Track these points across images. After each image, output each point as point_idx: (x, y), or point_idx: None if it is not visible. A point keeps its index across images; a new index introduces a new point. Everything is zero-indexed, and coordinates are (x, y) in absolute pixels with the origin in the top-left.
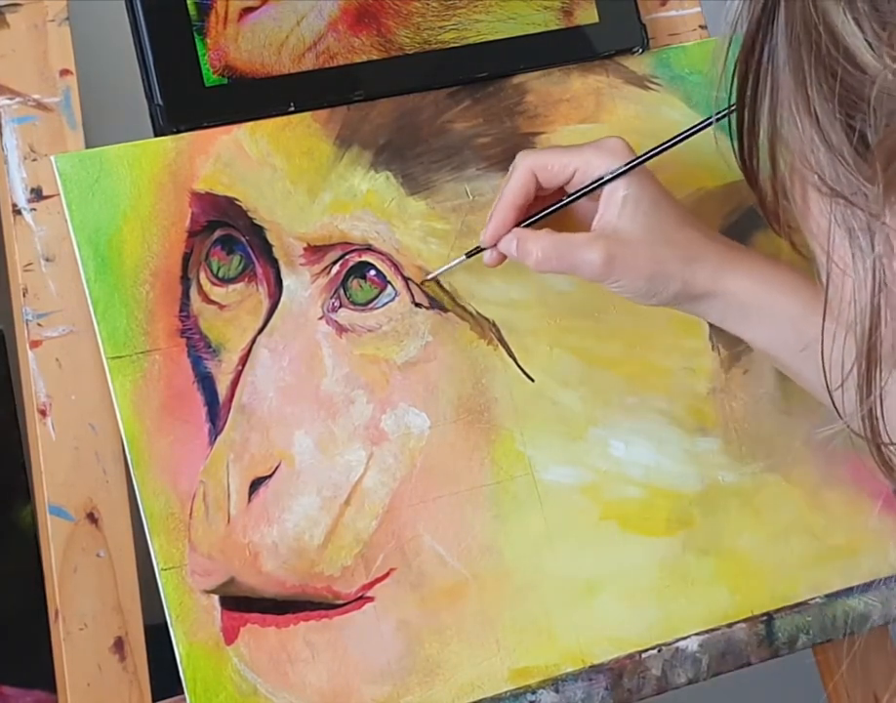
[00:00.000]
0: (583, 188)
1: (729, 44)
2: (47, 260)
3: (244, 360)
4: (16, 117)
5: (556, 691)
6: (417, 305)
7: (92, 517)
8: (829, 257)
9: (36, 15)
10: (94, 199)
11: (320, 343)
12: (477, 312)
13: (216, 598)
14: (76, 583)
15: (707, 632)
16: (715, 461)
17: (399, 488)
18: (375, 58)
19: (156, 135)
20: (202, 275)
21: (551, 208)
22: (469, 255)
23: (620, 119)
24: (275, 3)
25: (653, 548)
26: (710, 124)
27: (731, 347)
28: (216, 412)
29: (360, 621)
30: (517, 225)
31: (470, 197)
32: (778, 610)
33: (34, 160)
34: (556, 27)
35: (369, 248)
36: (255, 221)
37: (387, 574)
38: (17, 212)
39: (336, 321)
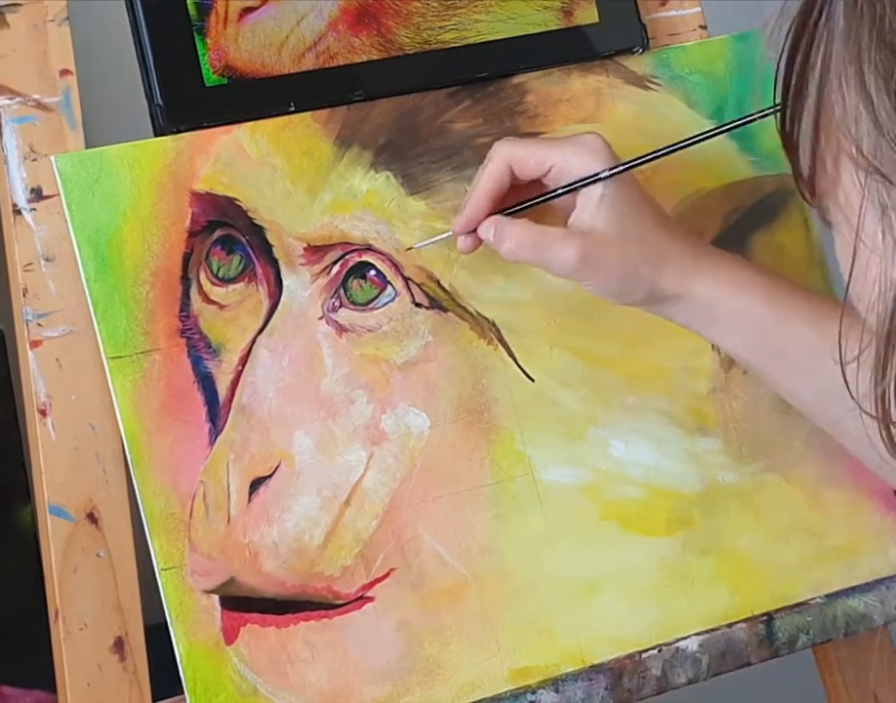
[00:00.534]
0: (564, 188)
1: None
2: (47, 260)
3: (244, 360)
4: (16, 117)
5: (556, 691)
6: (417, 305)
7: (92, 517)
8: (857, 232)
9: (36, 15)
10: (94, 199)
11: (320, 343)
12: (477, 312)
13: (216, 598)
14: (76, 583)
15: (707, 632)
16: (715, 461)
17: (399, 488)
18: (375, 58)
19: (156, 135)
20: (202, 275)
21: (529, 202)
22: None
23: (620, 119)
24: (275, 3)
25: (653, 548)
26: (697, 142)
27: None
28: (216, 412)
29: (360, 621)
30: (490, 214)
31: None
32: (778, 610)
33: (34, 160)
34: (556, 27)
35: (369, 248)
36: (255, 221)
37: (387, 574)
38: (17, 212)
39: (336, 321)
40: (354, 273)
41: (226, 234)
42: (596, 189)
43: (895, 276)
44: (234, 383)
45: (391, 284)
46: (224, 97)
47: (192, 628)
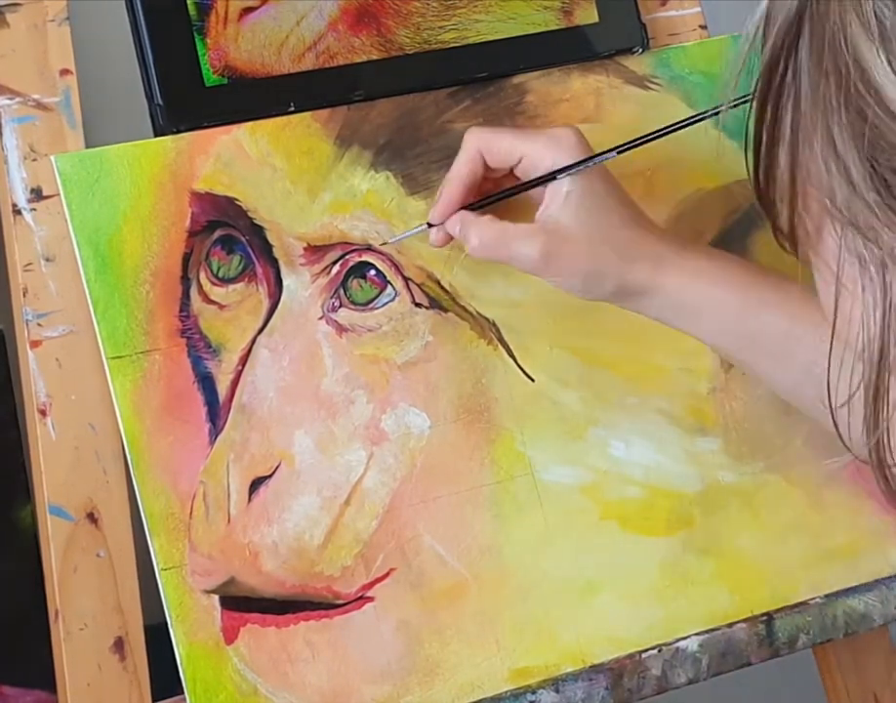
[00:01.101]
0: (530, 182)
1: (747, 49)
2: (47, 260)
3: (244, 360)
4: (16, 117)
5: (556, 691)
6: (417, 305)
7: (92, 517)
8: (837, 282)
9: (36, 15)
10: (94, 199)
11: (320, 343)
12: (477, 312)
13: (216, 598)
14: (76, 583)
15: (707, 632)
16: (715, 461)
17: (399, 488)
18: (375, 58)
19: (156, 135)
20: (202, 275)
21: (497, 196)
22: (431, 225)
23: (620, 119)
24: (275, 3)
25: (653, 548)
26: (671, 131)
27: None
28: (216, 412)
29: (360, 621)
30: (466, 204)
31: None
32: (778, 610)
33: (34, 160)
34: (556, 27)
35: (369, 248)
36: (255, 221)
37: (387, 574)
38: (17, 212)
39: (336, 321)
40: (354, 273)
41: (226, 234)
42: (563, 184)
43: (878, 327)
44: (234, 383)
45: (391, 284)
46: (223, 97)
47: (192, 628)
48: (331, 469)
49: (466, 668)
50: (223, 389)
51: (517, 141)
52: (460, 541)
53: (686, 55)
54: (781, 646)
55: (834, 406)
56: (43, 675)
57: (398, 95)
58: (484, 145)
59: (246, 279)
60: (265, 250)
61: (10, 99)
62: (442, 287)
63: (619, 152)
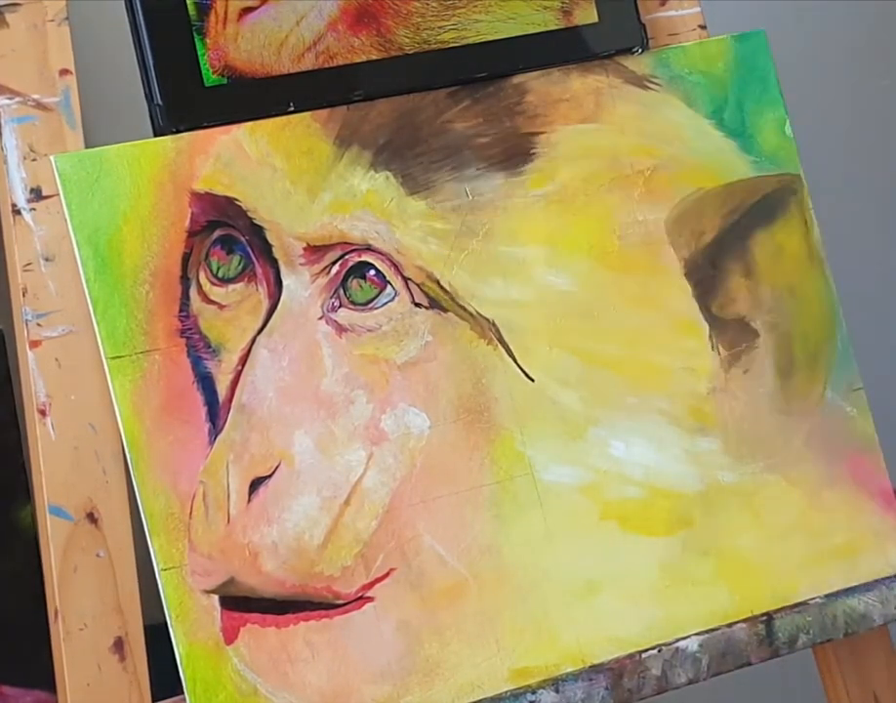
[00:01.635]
0: None
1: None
2: (47, 260)
3: (244, 360)
4: (15, 117)
5: (556, 691)
6: (417, 305)
7: (92, 517)
8: None
9: (36, 15)
10: (93, 199)
11: (320, 343)
12: (477, 312)
13: (216, 598)
14: (76, 583)
15: (707, 632)
16: (715, 461)
17: (399, 488)
18: (375, 58)
19: (156, 135)
20: (202, 275)
21: None
22: None
23: (619, 119)
24: (275, 3)
25: (653, 548)
26: None
27: (731, 347)
28: (216, 412)
29: (360, 621)
30: None
31: (470, 197)
32: (778, 610)
33: (34, 160)
34: (556, 27)
35: (369, 248)
36: (255, 221)
37: (387, 574)
38: (16, 212)
39: (336, 321)
40: (354, 273)
41: (226, 234)
42: None
43: None
44: (234, 383)
45: (391, 284)
46: (223, 97)
47: (192, 628)
48: (331, 469)
49: (466, 668)
50: (222, 389)
51: None
52: (460, 541)
53: (686, 55)
54: (781, 646)
55: None
56: (43, 675)
57: (398, 95)
58: None
59: (246, 279)
60: (265, 250)
61: (10, 99)
62: (442, 287)
63: None
